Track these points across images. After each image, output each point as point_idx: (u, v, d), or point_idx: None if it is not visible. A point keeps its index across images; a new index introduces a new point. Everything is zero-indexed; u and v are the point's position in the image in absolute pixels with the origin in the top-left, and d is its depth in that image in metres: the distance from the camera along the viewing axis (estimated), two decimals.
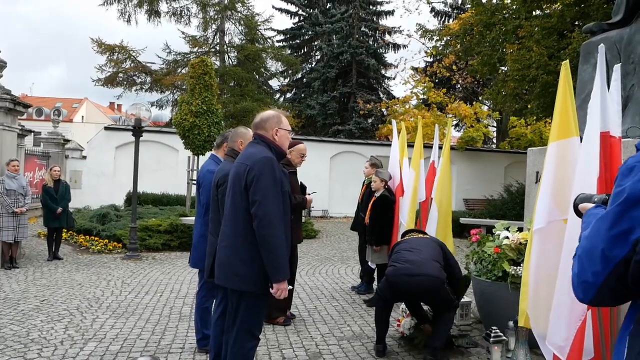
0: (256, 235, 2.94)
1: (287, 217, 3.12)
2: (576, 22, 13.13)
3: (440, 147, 6.63)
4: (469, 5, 18.00)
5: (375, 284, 6.70)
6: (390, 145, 7.32)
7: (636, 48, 4.99)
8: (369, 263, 6.58)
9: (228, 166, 3.54)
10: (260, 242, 2.94)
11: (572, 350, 2.93)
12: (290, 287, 4.53)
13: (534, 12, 14.26)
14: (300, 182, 5.58)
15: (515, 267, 4.46)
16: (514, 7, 14.17)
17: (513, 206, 14.19)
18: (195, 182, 6.15)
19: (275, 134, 3.22)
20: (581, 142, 3.34)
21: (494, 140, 26.38)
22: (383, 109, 25.78)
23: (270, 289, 2.98)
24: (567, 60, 3.43)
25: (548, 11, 13.74)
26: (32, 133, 20.60)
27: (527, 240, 4.60)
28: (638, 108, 4.76)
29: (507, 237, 4.77)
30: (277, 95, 30.06)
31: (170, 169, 17.82)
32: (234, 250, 3.05)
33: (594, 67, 3.72)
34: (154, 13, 25.03)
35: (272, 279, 2.95)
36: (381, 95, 28.50)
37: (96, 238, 10.64)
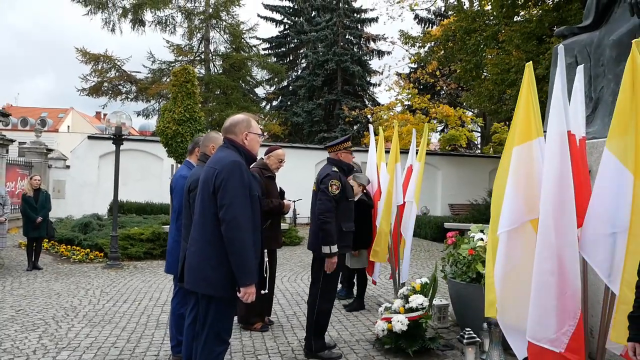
0: (224, 239, 2.94)
1: (256, 221, 3.11)
2: (554, 27, 13.33)
3: (417, 152, 6.67)
4: (451, 12, 18.19)
5: (354, 289, 6.70)
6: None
7: (605, 51, 5.07)
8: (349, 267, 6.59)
9: (200, 171, 3.54)
10: (228, 246, 2.93)
11: (572, 339, 3.06)
12: (264, 291, 4.54)
13: (515, 18, 14.46)
14: (280, 188, 5.58)
15: None
16: (494, 13, 14.36)
17: None
18: None
19: (245, 138, 3.22)
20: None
21: (479, 146, 26.59)
22: (368, 116, 25.91)
23: (238, 293, 2.97)
24: (531, 62, 3.47)
25: (527, 17, 13.93)
26: (17, 143, 20.48)
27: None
28: (607, 110, 4.82)
29: (482, 239, 4.80)
30: (263, 104, 30.09)
31: (155, 177, 17.74)
32: (203, 254, 3.04)
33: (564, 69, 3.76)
34: (138, 22, 24.97)
35: (240, 283, 2.94)
36: (366, 102, 28.67)
37: (77, 248, 10.54)
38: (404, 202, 6.32)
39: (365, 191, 6.39)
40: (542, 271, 3.10)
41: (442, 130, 24.99)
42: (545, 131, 3.41)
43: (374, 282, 6.64)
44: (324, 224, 4.30)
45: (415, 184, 6.33)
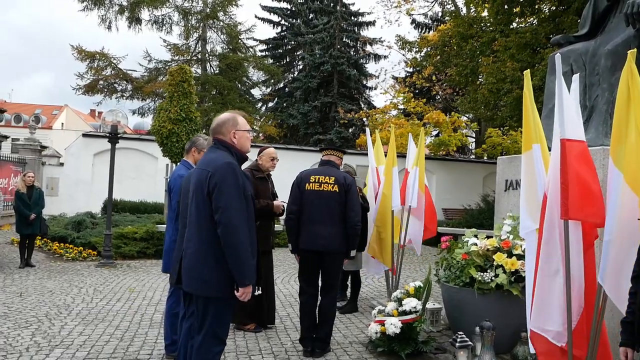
0: (221, 241, 2.95)
1: (251, 221, 3.12)
2: (550, 37, 13.46)
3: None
4: (447, 18, 18.30)
5: (348, 292, 6.73)
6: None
7: (600, 60, 5.13)
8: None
9: None
10: (225, 248, 2.95)
11: (575, 335, 3.17)
12: (259, 292, 4.56)
13: (511, 25, 14.55)
14: (274, 192, 5.57)
15: (481, 274, 4.52)
16: (490, 20, 14.46)
17: (490, 215, 14.32)
18: None
19: (234, 137, 3.19)
20: (550, 149, 3.45)
21: (473, 151, 26.69)
22: (363, 118, 25.97)
23: (236, 292, 2.99)
24: (528, 70, 3.51)
25: (522, 25, 14.04)
26: (11, 139, 20.36)
27: (494, 247, 4.69)
28: (601, 118, 4.89)
29: (475, 244, 4.84)
30: (259, 105, 30.08)
31: (149, 177, 17.68)
32: (200, 256, 3.05)
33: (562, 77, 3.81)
34: (134, 20, 24.86)
35: (239, 283, 2.96)
36: (362, 105, 28.71)
37: (71, 245, 10.50)
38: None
39: (361, 194, 6.43)
40: (549, 271, 3.24)
41: (437, 135, 25.09)
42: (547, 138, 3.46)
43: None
44: (361, 230, 4.81)
45: (415, 188, 6.33)
